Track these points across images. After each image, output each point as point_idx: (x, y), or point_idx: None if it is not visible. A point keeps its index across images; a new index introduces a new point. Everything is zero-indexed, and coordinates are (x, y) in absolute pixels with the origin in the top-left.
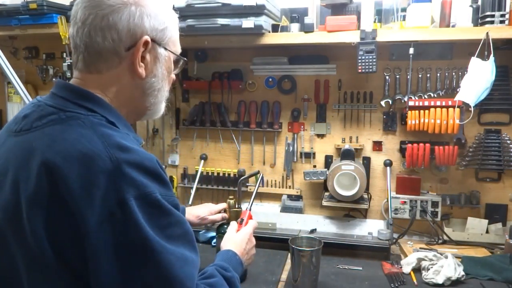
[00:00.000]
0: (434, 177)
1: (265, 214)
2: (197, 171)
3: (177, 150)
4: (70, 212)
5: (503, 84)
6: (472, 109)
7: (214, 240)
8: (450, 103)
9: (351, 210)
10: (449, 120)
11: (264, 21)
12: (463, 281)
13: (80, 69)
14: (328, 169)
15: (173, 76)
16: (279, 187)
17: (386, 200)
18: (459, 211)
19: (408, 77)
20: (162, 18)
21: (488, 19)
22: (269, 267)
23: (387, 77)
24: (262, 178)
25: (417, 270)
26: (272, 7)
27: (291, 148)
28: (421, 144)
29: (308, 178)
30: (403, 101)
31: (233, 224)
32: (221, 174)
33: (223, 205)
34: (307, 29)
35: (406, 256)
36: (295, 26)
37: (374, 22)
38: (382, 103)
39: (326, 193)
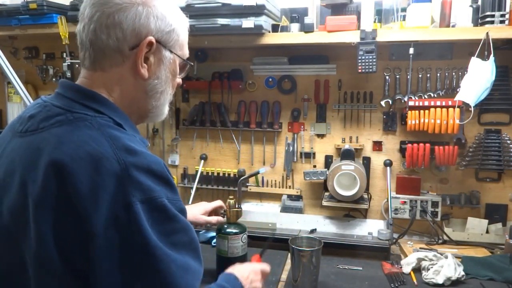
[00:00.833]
0: (434, 177)
1: (265, 214)
2: (197, 171)
3: (177, 150)
4: (76, 214)
5: (503, 84)
6: (472, 109)
7: (214, 240)
8: (450, 103)
9: (351, 210)
10: (449, 120)
11: (264, 21)
12: (463, 281)
13: (86, 66)
14: (328, 169)
15: (178, 80)
16: (279, 187)
17: (386, 200)
18: (459, 211)
19: (408, 77)
20: (169, 20)
21: (488, 19)
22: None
23: (387, 77)
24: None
25: (417, 270)
26: (272, 7)
27: (291, 148)
28: (421, 144)
29: (308, 178)
30: (403, 101)
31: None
32: (221, 174)
33: (217, 203)
34: (307, 29)
35: (406, 256)
36: (295, 26)
37: (374, 22)
38: (382, 103)
39: (326, 193)
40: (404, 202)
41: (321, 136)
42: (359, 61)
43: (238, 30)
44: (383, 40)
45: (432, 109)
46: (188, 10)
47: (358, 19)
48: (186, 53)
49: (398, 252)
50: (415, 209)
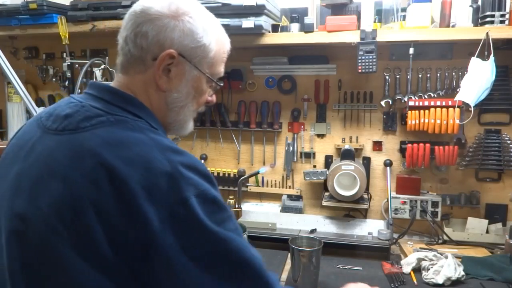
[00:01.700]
0: (434, 177)
1: (265, 214)
2: None
3: None
4: (132, 214)
5: (503, 84)
6: (472, 109)
7: None
8: (450, 103)
9: (351, 210)
10: (449, 120)
11: (264, 21)
12: (463, 281)
13: (119, 70)
14: (328, 169)
15: (207, 97)
16: (279, 187)
17: (386, 200)
18: (459, 211)
19: (408, 77)
20: (198, 36)
21: (488, 19)
22: (269, 267)
23: (387, 77)
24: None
25: (417, 270)
26: (272, 7)
27: (291, 148)
28: (421, 144)
29: (308, 178)
30: (403, 101)
31: None
32: (221, 174)
33: None
34: (307, 29)
35: (406, 256)
36: (295, 26)
37: (374, 22)
38: (382, 103)
39: (326, 193)
40: (404, 202)
41: (321, 136)
42: (359, 61)
43: (238, 30)
44: (383, 40)
45: (432, 109)
46: None
47: (358, 19)
48: (217, 72)
49: (398, 252)
50: (415, 209)
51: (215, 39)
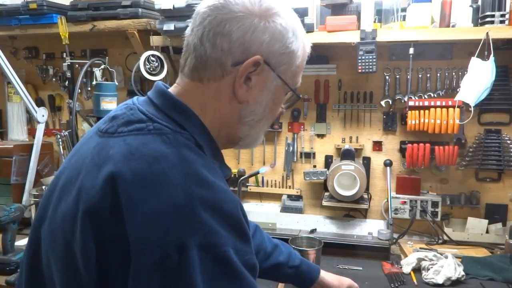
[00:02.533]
0: (434, 177)
1: (265, 214)
2: None
3: None
4: (125, 238)
5: (503, 84)
6: (472, 109)
7: None
8: (450, 103)
9: (351, 210)
10: (449, 120)
11: None
12: (463, 281)
13: (184, 73)
14: (328, 169)
15: (281, 109)
16: (279, 187)
17: (386, 200)
18: (459, 211)
19: (408, 77)
20: (287, 41)
21: (488, 19)
22: None
23: (387, 77)
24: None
25: (417, 270)
26: None
27: (291, 148)
28: (421, 144)
29: (308, 178)
30: (403, 101)
31: None
32: None
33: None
34: (307, 29)
35: (406, 256)
36: None
37: (374, 22)
38: (382, 103)
39: (326, 193)
40: (404, 202)
41: (321, 136)
42: (359, 61)
43: None
44: (383, 40)
45: (432, 109)
46: (188, 10)
47: (358, 19)
48: (297, 82)
49: (398, 252)
50: (415, 209)
51: (303, 45)
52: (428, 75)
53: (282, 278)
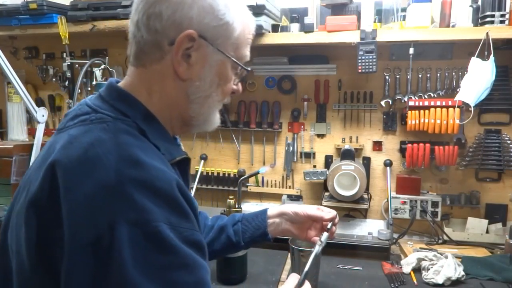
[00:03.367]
0: (434, 177)
1: None
2: (197, 171)
3: None
4: (61, 221)
5: (503, 84)
6: (472, 109)
7: None
8: (450, 103)
9: (351, 210)
10: (449, 120)
11: (264, 21)
12: (463, 281)
13: (130, 62)
14: (328, 169)
15: (233, 86)
16: (279, 187)
17: (386, 200)
18: (459, 211)
19: (408, 77)
20: (220, 13)
21: (488, 19)
22: (269, 267)
23: (387, 77)
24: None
25: (417, 270)
26: (272, 7)
27: (291, 148)
28: (421, 144)
29: (308, 178)
30: (403, 101)
31: (292, 278)
32: (221, 174)
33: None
34: (307, 29)
35: (406, 256)
36: (295, 26)
37: (374, 22)
38: (382, 103)
39: (326, 193)
40: (404, 202)
41: (321, 136)
42: (359, 61)
43: None
44: (383, 40)
45: (432, 109)
46: None
47: (358, 19)
48: (243, 55)
49: (398, 252)
50: (415, 209)
51: (239, 16)
52: (428, 75)
53: (237, 242)
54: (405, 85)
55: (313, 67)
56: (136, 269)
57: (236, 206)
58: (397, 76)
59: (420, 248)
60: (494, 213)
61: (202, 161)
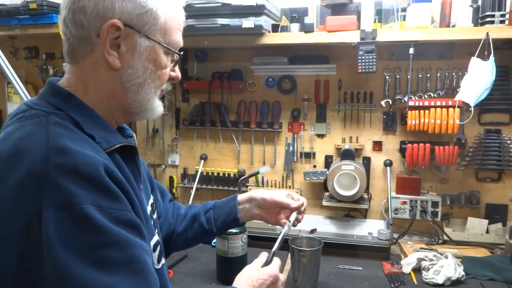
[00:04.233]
0: (434, 177)
1: None
2: (197, 171)
3: (177, 150)
4: None
5: (503, 84)
6: (472, 109)
7: (214, 240)
8: (450, 103)
9: (351, 210)
10: (449, 120)
11: (264, 21)
12: (463, 281)
13: (66, 60)
14: (328, 169)
15: (167, 71)
16: (279, 187)
17: (386, 200)
18: (459, 211)
19: (408, 77)
20: (143, 1)
21: (488, 19)
22: None
23: (387, 77)
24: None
25: (417, 270)
26: (272, 7)
27: (291, 148)
28: (421, 144)
29: (308, 178)
30: (403, 101)
31: (261, 257)
32: (221, 174)
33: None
34: (307, 29)
35: (406, 256)
36: (295, 26)
37: (374, 22)
38: (382, 103)
39: (326, 193)
40: (404, 202)
41: (321, 136)
42: (359, 61)
43: (238, 30)
44: (383, 40)
45: (432, 109)
46: (188, 10)
47: (358, 19)
48: (174, 41)
49: (398, 252)
50: (415, 209)
51: (163, 2)
52: (428, 75)
53: (209, 229)
54: (405, 85)
55: (313, 67)
56: (65, 250)
57: None
58: (397, 76)
59: (420, 248)
60: (494, 213)
61: (202, 161)
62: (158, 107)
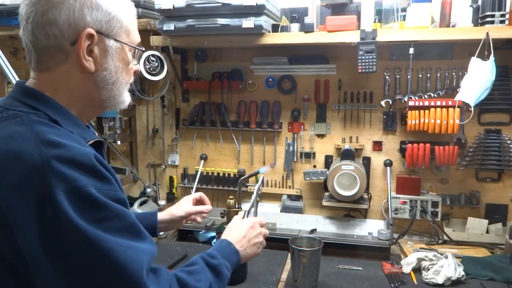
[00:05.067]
0: (434, 177)
1: (265, 214)
2: (197, 171)
3: (177, 150)
4: (1, 210)
5: (503, 84)
6: (472, 109)
7: (214, 240)
8: (450, 103)
9: (351, 210)
10: (449, 120)
11: (264, 21)
12: (463, 281)
13: (33, 68)
14: (328, 169)
15: (134, 67)
16: (279, 187)
17: (386, 200)
18: (459, 211)
19: (408, 77)
20: (106, 8)
21: (488, 19)
22: (269, 267)
23: (387, 77)
24: (263, 180)
25: (417, 270)
26: (272, 7)
27: (291, 148)
28: (421, 144)
29: (308, 178)
30: (403, 101)
31: (240, 214)
32: (221, 174)
33: (197, 194)
34: (307, 29)
35: (406, 256)
36: (295, 26)
37: (374, 22)
38: (382, 103)
39: (326, 193)
40: (404, 202)
41: (321, 136)
42: (359, 61)
43: (238, 30)
44: (383, 40)
45: (432, 109)
46: (188, 10)
47: (358, 19)
48: (134, 39)
49: (398, 252)
50: (415, 209)
51: (122, 5)
52: (428, 75)
53: None
54: (405, 85)
55: (313, 67)
56: (83, 223)
57: (236, 206)
58: (397, 76)
59: (420, 248)
60: (494, 213)
61: (202, 161)
62: (127, 98)
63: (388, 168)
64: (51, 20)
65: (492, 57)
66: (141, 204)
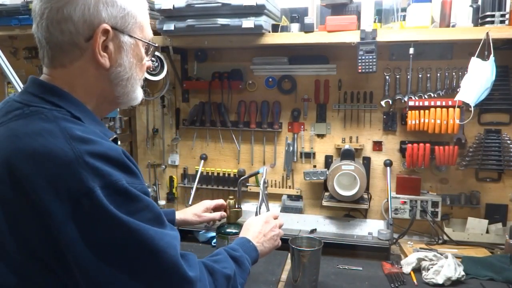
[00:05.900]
0: (434, 177)
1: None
2: (197, 171)
3: (177, 150)
4: (36, 208)
5: (503, 84)
6: (472, 109)
7: (214, 240)
8: (450, 103)
9: (351, 210)
10: (449, 120)
11: (264, 21)
12: (463, 281)
13: (46, 64)
14: (328, 169)
15: (147, 63)
16: (279, 187)
17: (386, 200)
18: (459, 211)
19: (408, 77)
20: (121, 4)
21: (488, 19)
22: (269, 267)
23: (387, 77)
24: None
25: (417, 270)
26: (272, 7)
27: (291, 148)
28: (421, 144)
29: (308, 178)
30: (403, 101)
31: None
32: (221, 174)
33: (219, 201)
34: (307, 29)
35: (406, 256)
36: (295, 26)
37: (374, 22)
38: (382, 103)
39: (326, 193)
40: (404, 202)
41: (321, 136)
42: (359, 61)
43: (238, 30)
44: (383, 40)
45: (432, 109)
46: (188, 10)
47: (358, 19)
48: (148, 34)
49: (398, 252)
50: (415, 209)
51: (133, 1)
52: (428, 75)
53: None
54: (405, 85)
55: (313, 67)
56: (121, 214)
57: (236, 206)
58: (397, 76)
59: (420, 248)
60: (494, 213)
61: (202, 161)
62: (140, 94)
63: (388, 168)
64: (66, 16)
65: (492, 57)
66: None
